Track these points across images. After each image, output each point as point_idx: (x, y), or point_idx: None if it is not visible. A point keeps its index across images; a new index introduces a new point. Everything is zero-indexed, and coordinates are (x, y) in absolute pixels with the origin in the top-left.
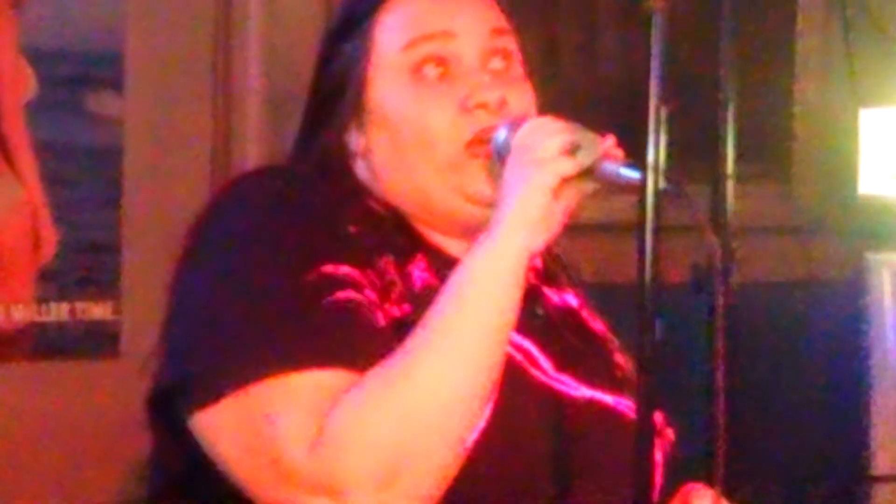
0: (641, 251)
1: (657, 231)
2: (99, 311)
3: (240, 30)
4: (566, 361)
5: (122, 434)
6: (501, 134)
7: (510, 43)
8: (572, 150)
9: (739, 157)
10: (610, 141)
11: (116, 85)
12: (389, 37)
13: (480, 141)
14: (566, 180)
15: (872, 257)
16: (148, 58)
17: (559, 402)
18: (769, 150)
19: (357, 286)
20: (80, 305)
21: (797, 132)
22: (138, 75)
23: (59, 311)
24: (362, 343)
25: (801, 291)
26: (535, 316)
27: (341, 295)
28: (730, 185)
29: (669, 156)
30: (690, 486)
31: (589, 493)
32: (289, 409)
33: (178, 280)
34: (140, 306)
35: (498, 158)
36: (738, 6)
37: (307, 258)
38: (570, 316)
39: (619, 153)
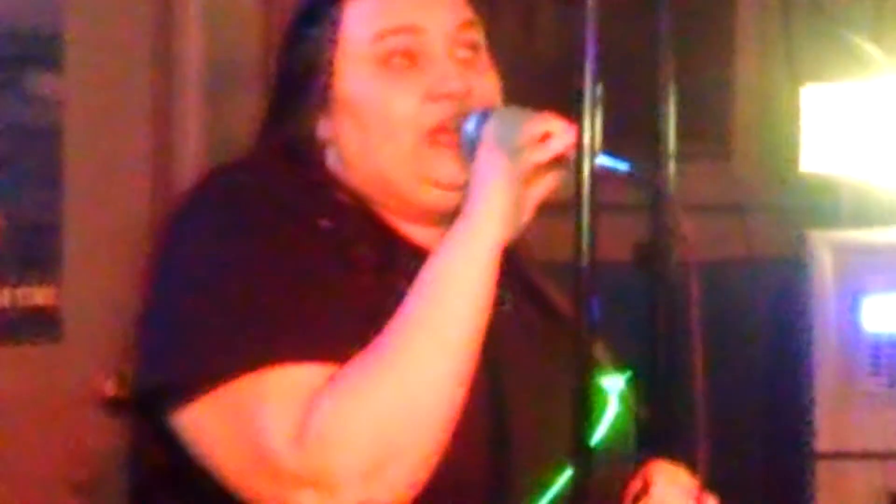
0: (578, 230)
1: (595, 209)
2: (41, 295)
3: (180, 10)
4: (528, 349)
5: (64, 417)
6: (471, 124)
7: (476, 34)
8: (544, 138)
9: (679, 136)
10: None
11: (55, 65)
12: (357, 27)
13: (444, 129)
14: (538, 168)
15: (813, 235)
16: (86, 38)
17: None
18: (709, 128)
19: (328, 280)
20: (21, 290)
21: (737, 110)
22: (77, 56)
23: (0, 297)
24: (337, 337)
25: (742, 269)
26: (501, 304)
27: (314, 289)
28: (670, 164)
29: (604, 135)
30: (652, 461)
31: (528, 472)
32: (268, 404)
33: (153, 280)
34: (82, 290)
35: (468, 148)
36: None
37: (279, 254)
38: (535, 295)
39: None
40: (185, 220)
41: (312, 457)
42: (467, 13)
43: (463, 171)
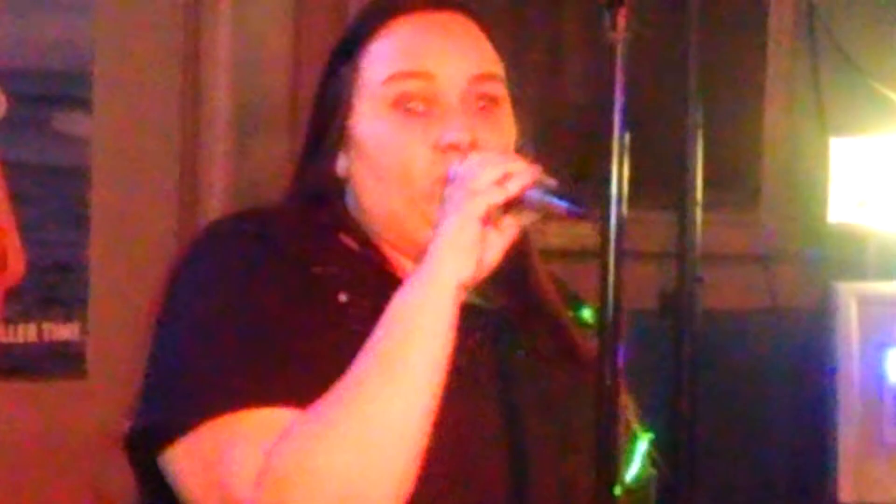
0: (604, 277)
1: (621, 257)
2: (65, 331)
3: (208, 52)
4: (549, 396)
5: (87, 453)
6: (453, 168)
7: (493, 87)
8: (503, 180)
9: (707, 185)
10: (538, 170)
11: (85, 104)
12: (373, 67)
13: (448, 180)
14: (495, 209)
15: (839, 286)
16: (116, 78)
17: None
18: (737, 177)
19: (308, 326)
20: (46, 326)
21: (765, 160)
22: (106, 95)
23: (25, 332)
24: (311, 381)
25: (768, 320)
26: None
27: (290, 335)
28: (698, 213)
29: (632, 182)
30: None
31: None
32: (235, 448)
33: (155, 328)
34: (107, 327)
35: None
36: (706, 33)
37: (256, 301)
38: (560, 339)
39: (551, 181)
40: (180, 269)
41: (272, 496)
42: (486, 66)
43: None
